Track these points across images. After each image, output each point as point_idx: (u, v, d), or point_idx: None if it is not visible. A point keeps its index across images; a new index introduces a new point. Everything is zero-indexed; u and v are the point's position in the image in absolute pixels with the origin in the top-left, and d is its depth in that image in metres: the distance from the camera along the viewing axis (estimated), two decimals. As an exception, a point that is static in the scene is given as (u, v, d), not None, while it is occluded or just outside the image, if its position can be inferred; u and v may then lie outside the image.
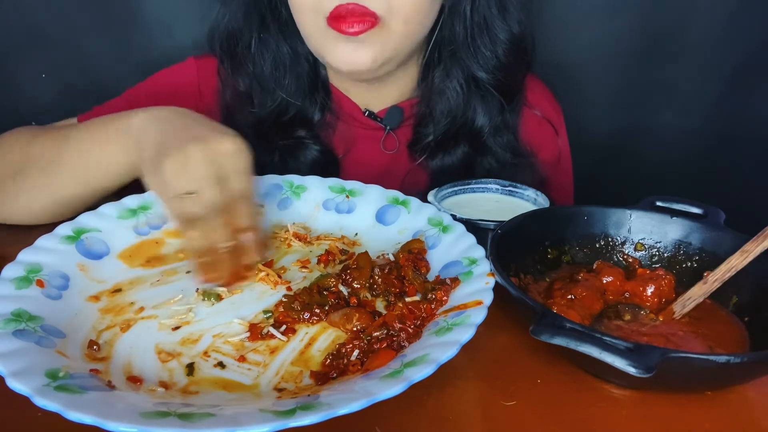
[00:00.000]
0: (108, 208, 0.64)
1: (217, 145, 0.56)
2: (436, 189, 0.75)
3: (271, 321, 0.53)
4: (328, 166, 0.86)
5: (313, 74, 0.84)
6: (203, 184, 0.54)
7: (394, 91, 0.87)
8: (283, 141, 0.84)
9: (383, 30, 0.71)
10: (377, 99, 0.87)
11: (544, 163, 0.90)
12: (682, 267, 0.62)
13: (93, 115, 0.81)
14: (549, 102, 0.95)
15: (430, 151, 0.85)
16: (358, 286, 0.57)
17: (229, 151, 0.56)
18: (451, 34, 0.80)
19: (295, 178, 0.73)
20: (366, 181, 0.73)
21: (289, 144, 0.84)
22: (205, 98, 0.85)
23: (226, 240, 0.56)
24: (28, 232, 0.59)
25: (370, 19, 0.69)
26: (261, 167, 0.82)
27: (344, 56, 0.73)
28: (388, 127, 0.87)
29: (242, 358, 0.48)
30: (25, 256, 0.54)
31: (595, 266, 0.61)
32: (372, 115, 0.87)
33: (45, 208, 0.69)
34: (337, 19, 0.69)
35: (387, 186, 0.71)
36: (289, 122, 0.84)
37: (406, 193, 0.70)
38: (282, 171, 0.75)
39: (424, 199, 0.70)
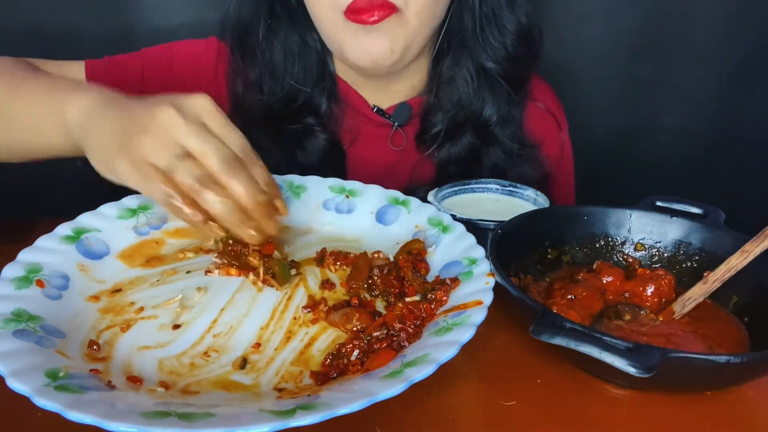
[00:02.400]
0: (108, 208, 0.64)
1: (190, 101, 0.50)
2: (436, 189, 0.75)
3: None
4: (334, 158, 0.86)
5: (321, 64, 0.85)
6: (200, 138, 0.48)
7: (404, 89, 0.87)
8: (294, 126, 0.84)
9: (401, 20, 0.72)
10: (386, 96, 0.87)
11: (548, 156, 0.91)
12: (682, 267, 0.62)
13: (103, 64, 0.82)
14: (551, 99, 0.95)
15: (438, 142, 0.86)
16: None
17: (206, 106, 0.51)
18: (459, 24, 0.81)
19: (295, 178, 0.73)
20: (373, 177, 0.73)
21: (297, 130, 0.84)
22: (220, 80, 0.86)
23: (256, 192, 0.51)
24: (28, 232, 0.59)
25: (388, 10, 0.70)
26: (268, 157, 0.82)
27: (365, 48, 0.73)
28: (396, 124, 0.87)
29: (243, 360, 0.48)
30: (25, 256, 0.54)
31: (595, 266, 0.61)
32: (380, 112, 0.87)
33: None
34: (356, 12, 0.70)
35: (394, 181, 0.71)
36: (297, 110, 0.84)
37: (414, 186, 0.70)
38: (289, 162, 0.74)
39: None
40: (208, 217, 0.52)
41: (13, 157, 0.68)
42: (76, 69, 0.81)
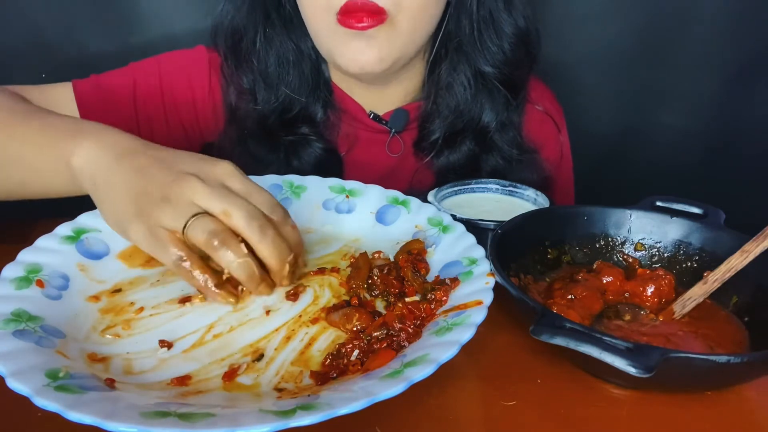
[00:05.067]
0: (108, 208, 0.64)
1: (211, 167, 0.50)
2: (436, 189, 0.75)
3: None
4: (331, 166, 0.86)
5: (315, 72, 0.84)
6: (223, 199, 0.48)
7: (399, 93, 0.86)
8: (288, 137, 0.83)
9: (391, 27, 0.71)
10: (382, 101, 0.87)
11: (548, 160, 0.90)
12: (682, 267, 0.62)
13: (90, 83, 0.79)
14: (551, 102, 0.95)
15: (436, 149, 0.85)
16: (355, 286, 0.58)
17: (227, 170, 0.51)
18: (456, 28, 0.80)
19: (294, 178, 0.73)
20: (370, 184, 0.72)
21: (294, 140, 0.84)
22: (214, 90, 0.84)
23: (284, 253, 0.51)
24: (28, 232, 0.59)
25: (379, 15, 0.69)
26: (264, 166, 0.82)
27: (354, 55, 0.72)
28: (393, 131, 0.87)
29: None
30: (25, 256, 0.54)
31: (595, 266, 0.61)
32: (377, 118, 0.86)
33: None
34: (347, 15, 0.69)
35: (392, 188, 0.71)
36: (292, 119, 0.84)
37: (413, 193, 0.70)
38: (285, 172, 0.74)
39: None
40: (220, 281, 0.51)
41: (13, 197, 0.64)
42: (63, 91, 0.78)
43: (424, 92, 0.87)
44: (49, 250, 0.56)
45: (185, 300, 0.55)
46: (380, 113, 0.87)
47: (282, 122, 0.83)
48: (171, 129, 0.83)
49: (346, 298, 0.57)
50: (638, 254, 0.64)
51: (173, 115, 0.83)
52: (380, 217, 0.69)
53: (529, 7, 0.82)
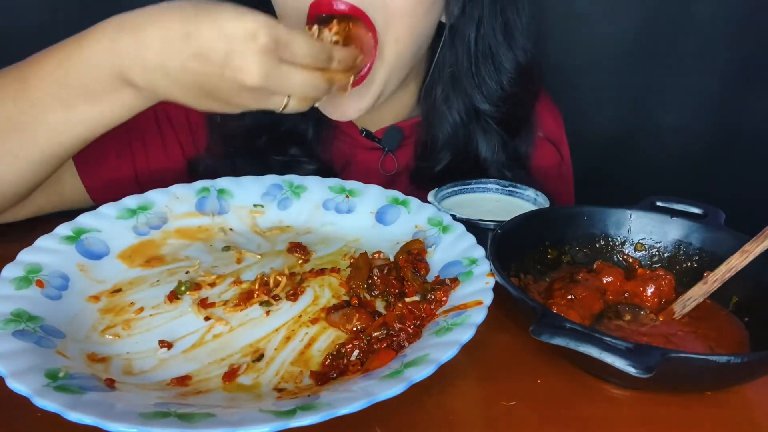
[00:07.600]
0: (107, 208, 0.64)
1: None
2: (436, 189, 0.75)
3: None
4: None
5: None
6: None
7: (392, 111, 0.85)
8: (278, 157, 0.81)
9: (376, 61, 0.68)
10: (375, 119, 0.85)
11: (548, 180, 0.88)
12: (682, 267, 0.62)
13: None
14: (550, 111, 0.93)
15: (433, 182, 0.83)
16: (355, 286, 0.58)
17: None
18: (453, 61, 0.78)
19: (295, 178, 0.73)
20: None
21: (285, 161, 0.81)
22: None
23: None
24: (28, 232, 0.59)
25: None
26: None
27: (335, 107, 0.71)
28: (386, 149, 0.85)
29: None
30: (25, 256, 0.54)
31: (595, 266, 0.61)
32: (370, 135, 0.85)
33: (23, 173, 0.61)
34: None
35: None
36: (282, 138, 0.81)
37: None
38: None
39: None
40: None
41: (36, 173, 0.62)
42: None
43: (417, 111, 0.85)
44: (49, 250, 0.56)
45: (173, 297, 0.55)
46: (373, 130, 0.85)
47: (271, 141, 0.81)
48: (169, 152, 0.81)
49: (346, 298, 0.57)
50: (638, 254, 0.64)
51: (171, 138, 0.81)
52: (380, 217, 0.69)
53: (530, 40, 0.79)
